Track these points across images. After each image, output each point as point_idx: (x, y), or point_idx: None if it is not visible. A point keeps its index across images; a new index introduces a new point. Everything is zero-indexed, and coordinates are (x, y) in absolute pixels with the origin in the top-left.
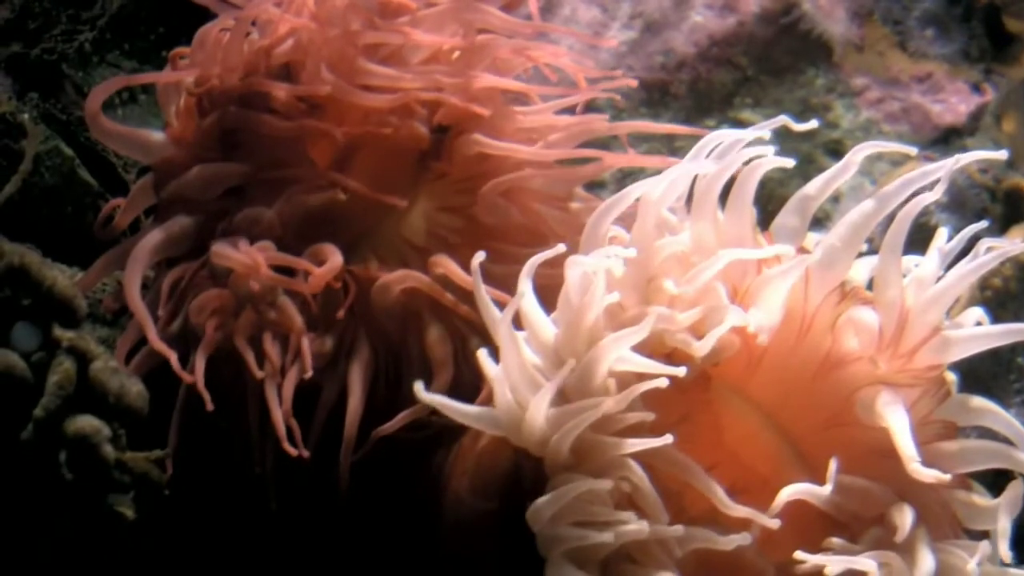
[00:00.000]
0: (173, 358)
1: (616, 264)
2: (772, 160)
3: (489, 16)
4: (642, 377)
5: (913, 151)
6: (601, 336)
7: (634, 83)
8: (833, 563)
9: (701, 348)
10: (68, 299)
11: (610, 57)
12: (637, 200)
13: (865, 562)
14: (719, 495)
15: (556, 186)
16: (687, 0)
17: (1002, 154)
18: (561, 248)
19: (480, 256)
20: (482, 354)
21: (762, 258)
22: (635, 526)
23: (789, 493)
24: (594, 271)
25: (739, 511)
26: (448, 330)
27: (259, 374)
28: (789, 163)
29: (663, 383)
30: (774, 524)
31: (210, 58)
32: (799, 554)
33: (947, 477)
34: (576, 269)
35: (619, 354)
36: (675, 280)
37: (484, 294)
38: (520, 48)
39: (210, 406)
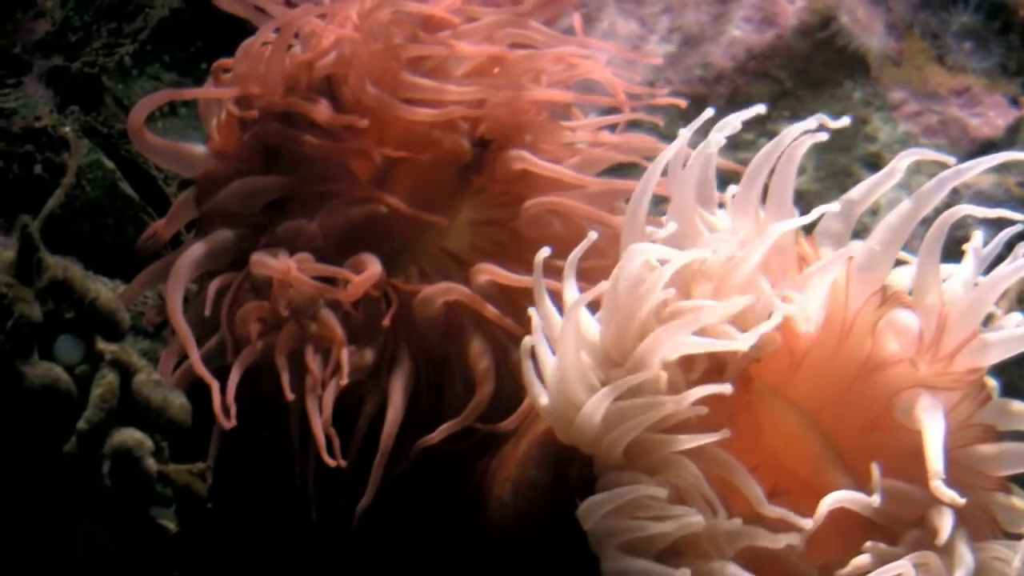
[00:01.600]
0: (215, 386)
1: (682, 261)
2: (803, 143)
3: (531, 30)
4: (686, 366)
5: (952, 160)
6: (651, 330)
7: (682, 103)
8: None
9: (745, 340)
10: (111, 312)
11: (648, 71)
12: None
13: (902, 565)
14: (759, 497)
15: (598, 200)
16: (725, 14)
17: None
18: (593, 236)
19: (545, 252)
20: (541, 344)
21: (798, 238)
22: (694, 518)
23: (833, 500)
24: (654, 260)
25: (775, 512)
26: (490, 342)
27: (290, 395)
28: (823, 137)
29: (728, 389)
30: (807, 524)
31: (252, 72)
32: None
33: (962, 502)
34: (637, 259)
35: (674, 344)
36: (716, 276)
37: (544, 291)
38: (563, 60)
39: (233, 422)
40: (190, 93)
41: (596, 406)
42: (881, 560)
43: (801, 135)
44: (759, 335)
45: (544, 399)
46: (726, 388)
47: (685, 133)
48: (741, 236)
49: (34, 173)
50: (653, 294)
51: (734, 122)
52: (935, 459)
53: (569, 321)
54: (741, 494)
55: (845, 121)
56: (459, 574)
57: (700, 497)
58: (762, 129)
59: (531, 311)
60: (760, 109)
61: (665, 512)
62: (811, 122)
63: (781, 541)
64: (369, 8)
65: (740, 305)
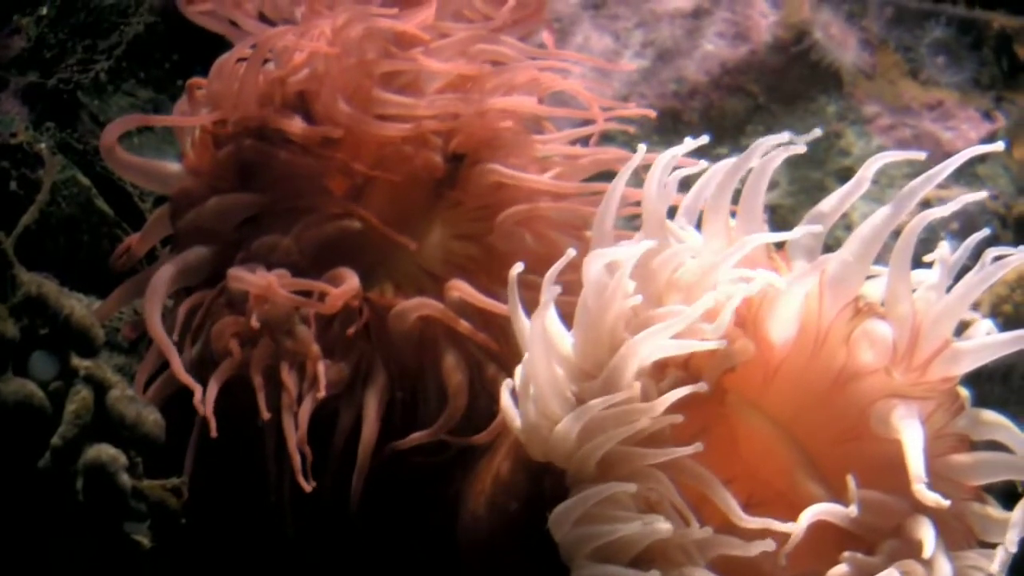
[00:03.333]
0: (198, 391)
1: (638, 253)
2: (778, 156)
3: (503, 45)
4: (658, 375)
5: (923, 155)
6: (621, 338)
7: (652, 114)
8: None
9: (716, 329)
10: (85, 328)
11: (622, 85)
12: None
13: (890, 573)
14: (733, 508)
15: (571, 214)
16: (699, 29)
17: (999, 146)
18: (572, 253)
19: (519, 267)
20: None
21: (768, 251)
22: (662, 524)
23: (812, 515)
24: (615, 261)
25: (753, 523)
26: (464, 357)
27: (266, 415)
28: (801, 149)
29: (703, 387)
30: (787, 528)
31: (226, 89)
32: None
33: (946, 504)
34: (598, 263)
35: (648, 353)
36: (687, 287)
37: (518, 305)
38: (535, 76)
39: (214, 433)
40: (160, 120)
41: (571, 425)
42: (859, 570)
43: (774, 148)
44: (729, 314)
45: (518, 420)
46: (700, 387)
47: (642, 148)
48: (714, 247)
49: (9, 189)
50: (617, 298)
51: (679, 152)
52: (916, 464)
53: (536, 334)
54: (719, 506)
55: (817, 132)
56: None
57: (671, 508)
58: (735, 144)
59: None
60: (704, 140)
61: (633, 518)
62: (783, 136)
63: (753, 549)
64: (341, 24)
65: (709, 302)
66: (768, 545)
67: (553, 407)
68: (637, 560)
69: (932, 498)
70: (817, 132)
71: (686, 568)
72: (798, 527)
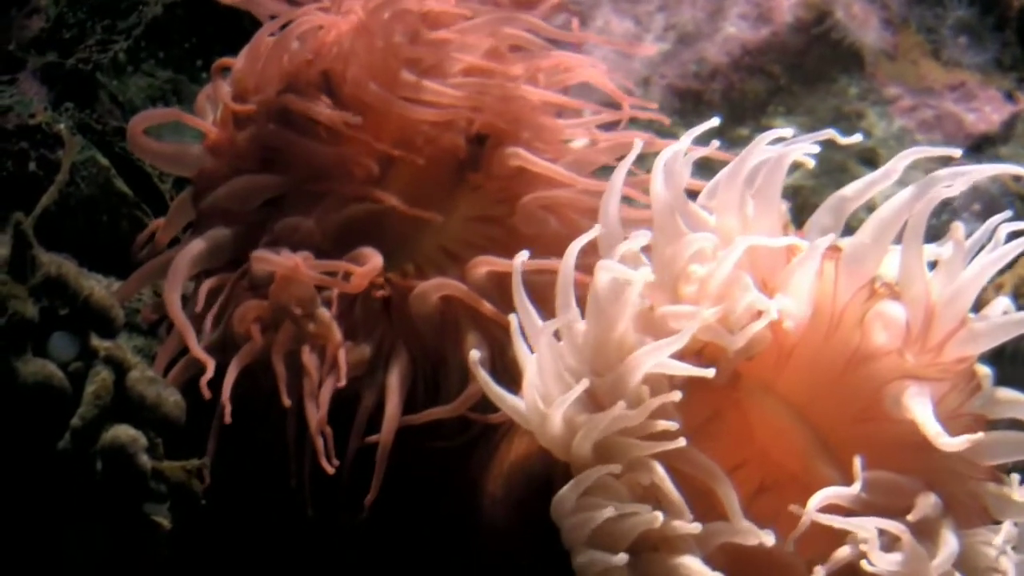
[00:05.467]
0: (211, 366)
1: (648, 275)
2: (797, 148)
3: (528, 26)
4: (674, 380)
5: (958, 152)
6: (631, 343)
7: (667, 121)
8: (836, 523)
9: (735, 342)
10: (105, 309)
11: (643, 67)
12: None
13: (863, 523)
14: (732, 504)
15: (594, 199)
16: (721, 11)
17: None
18: (599, 229)
19: (523, 255)
20: (520, 348)
21: (785, 245)
22: (649, 515)
23: (819, 500)
24: (625, 280)
25: (745, 526)
26: (485, 338)
27: (287, 401)
28: (815, 148)
29: (676, 396)
30: (769, 540)
31: (251, 68)
32: (793, 507)
33: (980, 436)
34: (605, 275)
35: (654, 364)
36: (701, 279)
37: (523, 295)
38: (559, 63)
39: (228, 419)
40: (195, 121)
41: (555, 413)
42: (863, 551)
43: (791, 139)
44: (743, 340)
45: (520, 405)
46: (675, 396)
47: (639, 142)
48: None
49: (28, 170)
50: (626, 313)
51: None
52: (930, 425)
53: (545, 330)
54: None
55: (857, 138)
56: (454, 572)
57: (669, 498)
58: (756, 125)
59: (511, 317)
60: (714, 122)
61: (626, 510)
62: (787, 131)
63: (751, 539)
64: (372, 6)
65: (714, 316)
66: (766, 537)
67: (557, 398)
68: (638, 547)
69: (957, 442)
70: (858, 137)
71: (677, 556)
72: (806, 514)
